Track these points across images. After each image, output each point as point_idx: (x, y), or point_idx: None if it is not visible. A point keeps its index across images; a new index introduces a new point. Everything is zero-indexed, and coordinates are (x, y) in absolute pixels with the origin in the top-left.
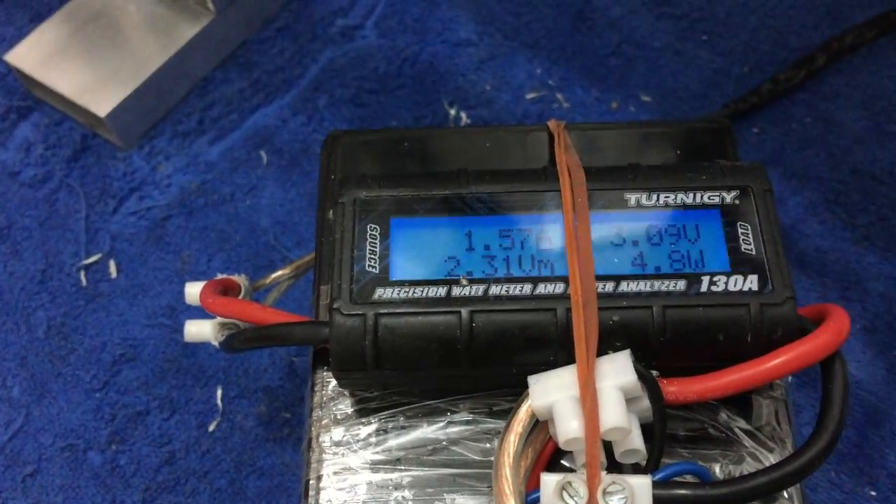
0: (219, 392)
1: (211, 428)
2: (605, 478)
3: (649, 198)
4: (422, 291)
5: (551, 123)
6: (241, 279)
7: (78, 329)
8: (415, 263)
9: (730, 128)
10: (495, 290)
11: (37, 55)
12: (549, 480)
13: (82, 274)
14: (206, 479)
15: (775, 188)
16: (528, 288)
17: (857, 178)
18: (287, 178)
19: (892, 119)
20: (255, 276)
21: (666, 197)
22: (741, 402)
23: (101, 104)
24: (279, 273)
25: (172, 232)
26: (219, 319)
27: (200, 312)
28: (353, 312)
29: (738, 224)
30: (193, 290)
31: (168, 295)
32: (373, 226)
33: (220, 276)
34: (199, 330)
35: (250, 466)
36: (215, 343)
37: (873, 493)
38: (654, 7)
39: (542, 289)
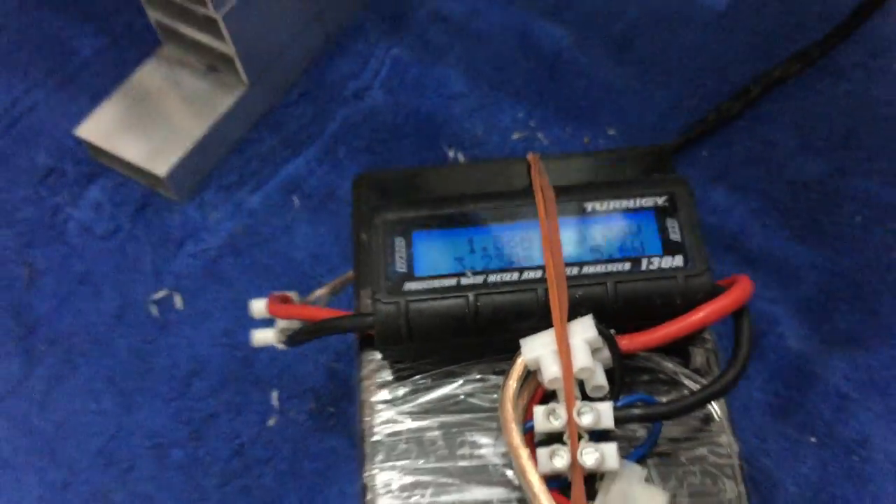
0: (274, 394)
1: (270, 423)
2: (579, 403)
3: (601, 205)
4: (438, 283)
5: (529, 155)
6: (292, 294)
7: (154, 352)
8: (432, 263)
9: (667, 150)
10: (492, 278)
11: (101, 128)
12: (539, 409)
13: (153, 307)
14: (270, 464)
15: (723, 200)
16: (515, 275)
17: (791, 187)
18: (316, 218)
19: (817, 137)
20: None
21: (614, 204)
22: (682, 352)
23: (160, 166)
24: (319, 291)
25: (224, 268)
26: (278, 326)
27: (260, 324)
28: (390, 301)
29: (667, 219)
30: (257, 305)
31: (225, 320)
32: (399, 238)
33: (276, 293)
34: (264, 336)
35: (304, 452)
36: (277, 345)
37: (813, 440)
38: (616, 55)
39: (526, 275)
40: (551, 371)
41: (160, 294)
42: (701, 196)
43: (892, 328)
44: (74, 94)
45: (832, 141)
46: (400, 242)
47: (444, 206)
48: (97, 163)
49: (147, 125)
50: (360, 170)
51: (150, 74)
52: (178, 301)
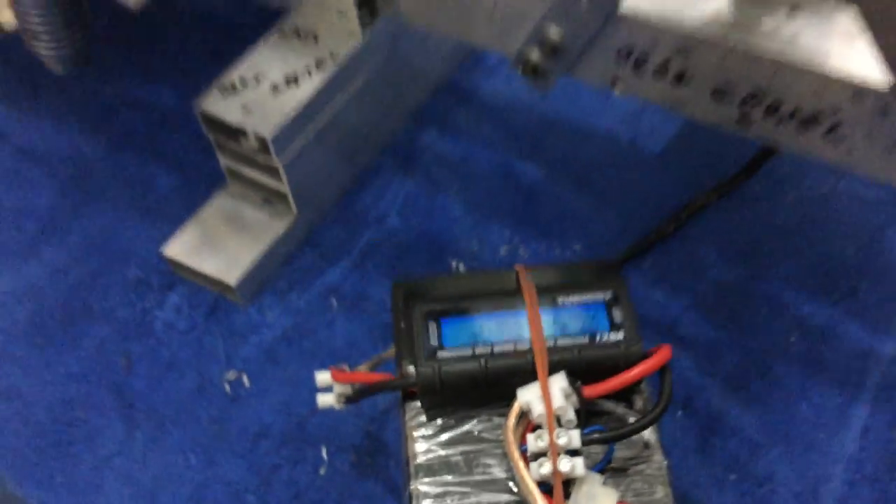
0: (323, 449)
1: (321, 472)
2: (557, 430)
3: (569, 299)
4: (460, 353)
5: (517, 266)
6: (344, 367)
7: (228, 419)
8: (455, 339)
9: (616, 262)
10: (496, 349)
11: (181, 248)
12: (530, 436)
13: (226, 385)
14: None
15: (661, 298)
16: (511, 347)
17: (714, 287)
18: (350, 315)
19: (731, 250)
20: None
21: (577, 298)
22: (627, 398)
23: (230, 277)
24: (362, 366)
25: (280, 355)
26: (336, 391)
27: (320, 391)
28: (428, 366)
29: (612, 308)
30: (322, 376)
31: (282, 394)
32: (432, 322)
33: (334, 366)
34: (326, 399)
35: (349, 495)
36: (337, 406)
37: (733, 477)
38: (579, 188)
39: (519, 347)
40: (538, 410)
41: (231, 375)
42: (644, 295)
43: (791, 392)
44: (156, 220)
45: (743, 253)
46: (433, 325)
47: (462, 301)
48: (177, 275)
49: (217, 245)
50: (383, 278)
51: (218, 205)
52: (245, 380)
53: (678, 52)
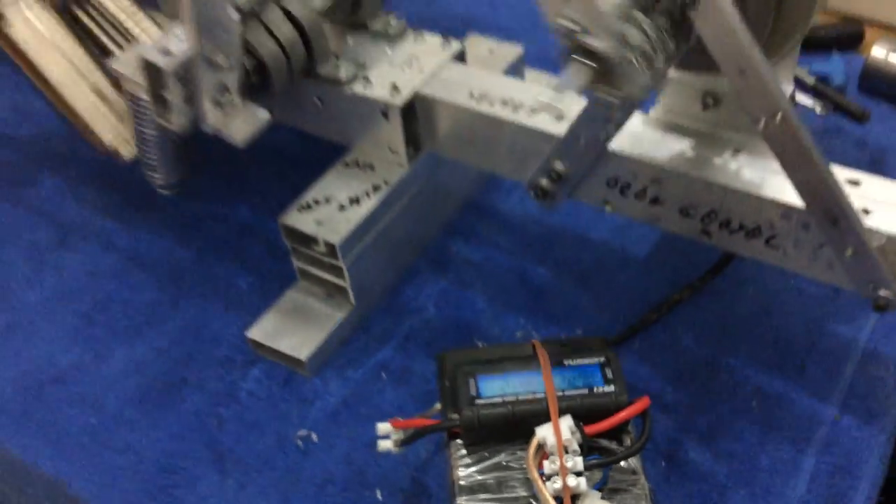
0: (378, 492)
1: None
2: (565, 457)
3: (573, 361)
4: (493, 401)
5: (533, 341)
6: (398, 419)
7: (300, 469)
8: (489, 391)
9: (610, 341)
10: (520, 398)
11: (262, 331)
12: (546, 462)
13: (299, 441)
14: None
15: (647, 373)
16: (531, 396)
17: (691, 363)
18: (398, 386)
19: (703, 335)
20: None
21: (579, 361)
22: (618, 437)
23: (302, 354)
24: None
25: (341, 417)
26: (392, 438)
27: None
28: (469, 411)
29: (605, 368)
30: (383, 426)
31: (345, 448)
32: (471, 379)
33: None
34: (386, 444)
35: None
36: (394, 450)
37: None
38: (579, 285)
39: (536, 396)
40: (551, 442)
41: (302, 433)
42: (633, 370)
43: (753, 446)
44: (239, 311)
45: (712, 336)
46: (472, 381)
47: (493, 363)
48: (258, 354)
49: (290, 330)
50: (423, 356)
51: (291, 299)
52: (314, 437)
53: (653, 181)
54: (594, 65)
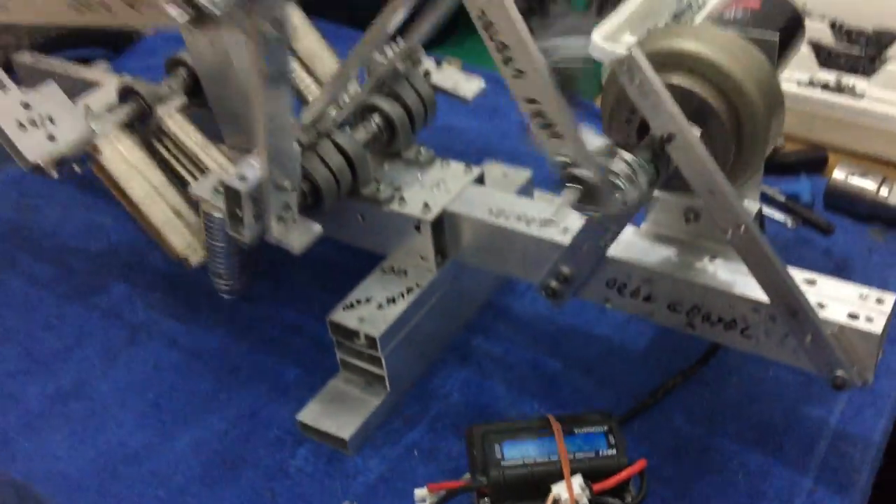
0: None
1: None
2: None
3: (581, 430)
4: (515, 463)
5: (548, 415)
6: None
7: None
8: (512, 454)
9: (610, 416)
10: (538, 461)
11: (310, 415)
12: None
13: None
14: None
15: (646, 451)
16: (547, 459)
17: (684, 442)
18: (429, 462)
19: (695, 416)
20: None
21: (586, 430)
22: (621, 494)
23: (345, 434)
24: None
25: (380, 489)
26: (429, 500)
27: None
28: (495, 472)
29: (608, 435)
30: (420, 491)
31: None
32: (497, 445)
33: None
34: None
35: None
36: None
37: None
38: (589, 374)
39: (551, 458)
40: (564, 497)
41: (346, 503)
42: (633, 448)
43: None
44: (288, 399)
45: (702, 418)
46: (497, 447)
47: (514, 433)
48: (305, 435)
49: (334, 414)
50: (450, 436)
51: (334, 386)
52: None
53: (645, 281)
54: (581, 188)
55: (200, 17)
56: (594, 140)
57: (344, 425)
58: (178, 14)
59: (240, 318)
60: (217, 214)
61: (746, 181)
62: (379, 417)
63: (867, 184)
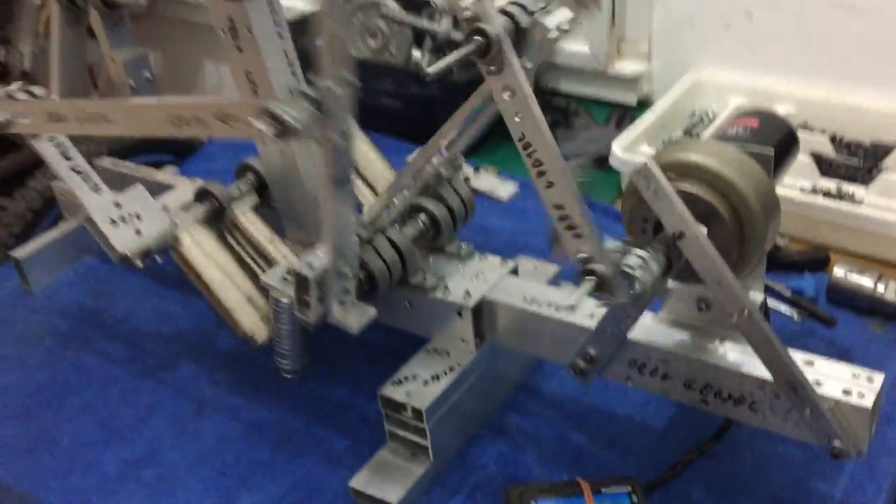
0: None
1: None
2: None
3: (608, 490)
4: None
5: (578, 478)
6: None
7: None
8: None
9: (631, 479)
10: None
11: (361, 482)
12: None
13: None
14: None
15: None
16: None
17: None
18: None
19: (710, 488)
20: None
21: (612, 490)
22: None
23: (393, 498)
24: None
25: None
26: None
27: None
28: None
29: (631, 495)
30: None
31: None
32: (533, 501)
33: None
34: None
35: None
36: None
37: None
38: (613, 448)
39: None
40: None
41: None
42: None
43: None
44: (339, 467)
45: (718, 490)
46: (533, 503)
47: (548, 492)
48: (356, 500)
49: (383, 480)
50: (488, 503)
51: (381, 456)
52: None
53: (662, 362)
54: (596, 280)
55: (284, 131)
56: (610, 243)
57: (392, 491)
58: (266, 128)
59: (296, 394)
60: (284, 300)
61: (749, 274)
62: (423, 485)
63: (865, 280)
